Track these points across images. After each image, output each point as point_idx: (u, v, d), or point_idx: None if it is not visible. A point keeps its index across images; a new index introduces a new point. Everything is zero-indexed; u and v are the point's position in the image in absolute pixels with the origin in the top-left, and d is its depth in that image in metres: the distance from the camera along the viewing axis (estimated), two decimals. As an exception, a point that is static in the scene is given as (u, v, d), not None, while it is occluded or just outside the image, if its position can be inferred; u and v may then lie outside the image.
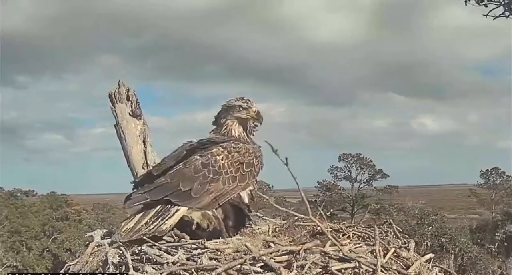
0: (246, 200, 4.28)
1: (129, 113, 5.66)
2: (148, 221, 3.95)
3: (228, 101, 4.43)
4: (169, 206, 4.01)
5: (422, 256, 4.33)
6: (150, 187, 4.04)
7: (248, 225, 4.35)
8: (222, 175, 4.07)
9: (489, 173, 48.16)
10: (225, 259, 3.70)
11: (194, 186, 4.01)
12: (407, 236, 4.73)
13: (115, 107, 5.69)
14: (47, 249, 33.22)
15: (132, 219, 4.04)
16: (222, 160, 4.09)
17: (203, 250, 3.77)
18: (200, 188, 4.01)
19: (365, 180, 46.85)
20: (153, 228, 3.91)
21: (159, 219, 3.95)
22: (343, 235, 4.37)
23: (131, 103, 5.67)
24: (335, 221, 4.85)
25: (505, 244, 32.27)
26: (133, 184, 4.30)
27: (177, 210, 4.00)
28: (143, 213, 4.02)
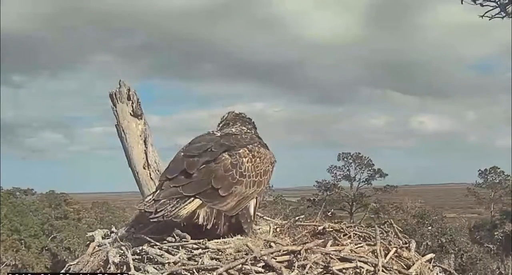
0: (252, 210, 4.24)
1: (130, 113, 5.64)
2: (169, 201, 3.89)
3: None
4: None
5: (422, 256, 4.33)
6: (183, 181, 3.98)
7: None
8: (246, 178, 4.10)
9: (488, 172, 48.20)
10: (226, 259, 3.71)
11: (224, 185, 4.01)
12: (407, 236, 4.74)
13: (116, 107, 5.66)
14: (46, 248, 33.24)
15: (155, 194, 3.98)
16: (247, 162, 4.13)
17: (204, 250, 3.78)
18: (227, 188, 4.02)
19: (364, 179, 46.90)
20: (173, 210, 3.84)
21: (180, 203, 3.89)
22: (344, 235, 4.37)
23: (132, 103, 5.65)
24: (335, 220, 4.83)
25: (504, 243, 32.30)
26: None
27: (196, 197, 3.95)
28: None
